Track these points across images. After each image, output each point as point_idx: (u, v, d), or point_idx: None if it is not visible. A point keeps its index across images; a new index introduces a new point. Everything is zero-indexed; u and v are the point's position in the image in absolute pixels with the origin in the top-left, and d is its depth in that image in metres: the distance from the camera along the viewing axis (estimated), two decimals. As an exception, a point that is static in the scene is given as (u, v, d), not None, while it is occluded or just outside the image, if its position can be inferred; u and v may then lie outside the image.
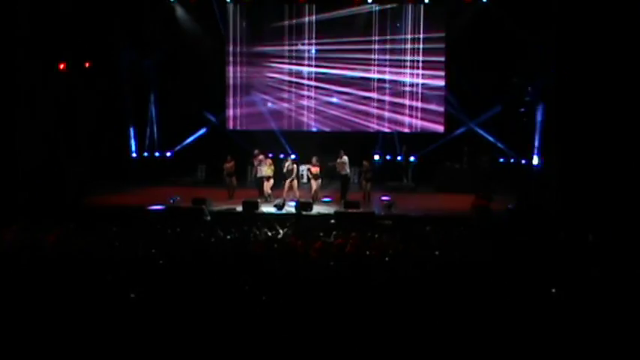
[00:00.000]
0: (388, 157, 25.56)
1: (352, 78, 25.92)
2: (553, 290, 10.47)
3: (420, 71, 25.50)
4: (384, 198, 20.45)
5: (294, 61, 26.25)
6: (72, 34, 21.48)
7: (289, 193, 21.11)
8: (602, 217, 16.51)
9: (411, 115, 25.62)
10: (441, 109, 25.47)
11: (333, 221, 17.87)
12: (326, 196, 21.34)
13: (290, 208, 19.25)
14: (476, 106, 24.44)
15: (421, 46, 25.40)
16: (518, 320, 9.01)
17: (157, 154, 26.79)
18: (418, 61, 25.46)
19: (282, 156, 23.01)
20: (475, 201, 17.77)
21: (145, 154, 26.71)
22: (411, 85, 25.62)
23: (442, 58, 25.32)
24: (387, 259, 12.96)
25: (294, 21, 25.90)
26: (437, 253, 13.37)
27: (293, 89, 26.43)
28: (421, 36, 25.39)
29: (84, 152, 22.71)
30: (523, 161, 23.21)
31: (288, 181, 21.18)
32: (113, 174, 24.02)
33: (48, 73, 21.08)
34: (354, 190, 22.16)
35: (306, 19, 25.82)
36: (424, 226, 16.07)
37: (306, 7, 25.78)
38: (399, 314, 9.34)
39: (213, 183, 23.09)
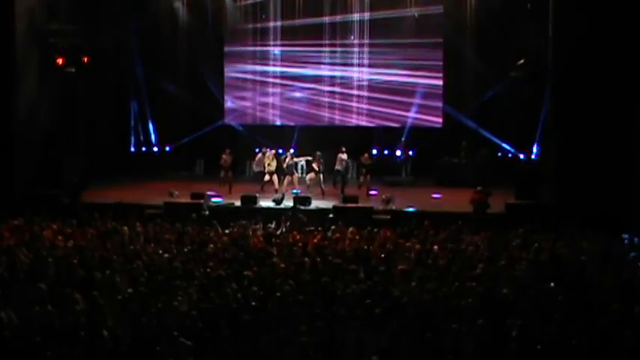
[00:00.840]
0: (386, 152, 25.52)
1: (350, 72, 25.89)
2: (552, 284, 10.52)
3: (419, 62, 25.38)
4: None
5: (292, 62, 26.25)
6: (72, 28, 21.49)
7: (289, 187, 21.08)
8: (600, 211, 16.56)
9: (409, 110, 25.54)
10: (439, 103, 25.39)
11: (331, 216, 17.88)
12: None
13: (289, 203, 19.24)
14: (474, 100, 24.38)
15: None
16: (516, 312, 9.05)
17: (155, 149, 26.75)
18: (417, 54, 25.39)
19: (280, 151, 22.94)
20: (474, 195, 17.76)
21: (143, 148, 26.69)
22: (409, 78, 25.52)
23: (440, 53, 25.27)
24: (382, 255, 13.02)
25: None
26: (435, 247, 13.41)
27: (290, 85, 26.39)
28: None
29: (82, 147, 22.69)
30: (521, 156, 23.18)
31: (287, 176, 21.17)
32: (112, 169, 23.99)
33: (46, 68, 21.07)
34: (352, 184, 22.16)
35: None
36: (422, 220, 16.09)
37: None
38: (400, 307, 9.39)
39: (213, 177, 23.05)
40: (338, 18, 25.59)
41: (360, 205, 18.93)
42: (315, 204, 19.35)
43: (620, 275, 11.23)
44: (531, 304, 9.51)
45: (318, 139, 23.85)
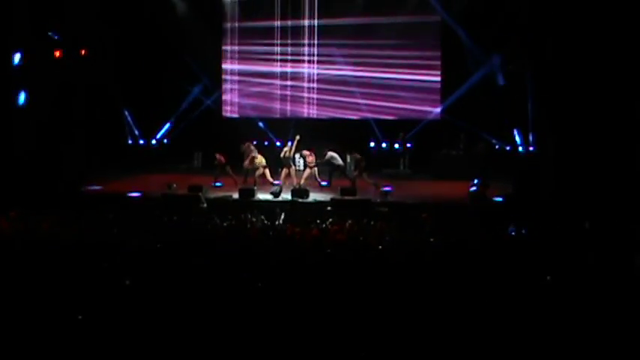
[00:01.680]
0: (384, 145, 25.53)
1: (349, 60, 25.92)
2: (548, 278, 10.50)
3: (417, 53, 25.41)
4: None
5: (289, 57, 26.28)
6: (69, 21, 21.46)
7: (286, 180, 21.11)
8: (598, 204, 16.55)
9: (407, 102, 25.55)
10: (438, 95, 25.42)
11: (329, 208, 17.88)
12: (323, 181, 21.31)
13: (286, 195, 19.25)
14: (472, 92, 24.37)
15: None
16: (512, 308, 9.03)
17: (153, 141, 26.76)
18: (414, 46, 25.42)
19: (278, 144, 22.97)
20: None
21: (141, 141, 26.70)
22: (407, 71, 25.56)
23: (438, 43, 25.30)
24: (380, 246, 13.01)
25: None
26: (432, 239, 13.39)
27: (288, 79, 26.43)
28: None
29: (79, 139, 22.68)
30: (519, 148, 23.20)
31: (285, 168, 21.20)
32: (109, 161, 24.00)
33: (43, 60, 21.04)
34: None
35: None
36: (420, 212, 16.09)
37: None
38: (395, 300, 9.37)
39: (210, 170, 23.05)
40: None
41: (358, 197, 18.93)
42: (313, 197, 19.35)
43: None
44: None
45: (314, 133, 23.83)
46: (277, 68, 26.44)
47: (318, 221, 15.76)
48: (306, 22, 25.89)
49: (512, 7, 22.07)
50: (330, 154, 21.42)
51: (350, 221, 15.27)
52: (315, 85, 26.22)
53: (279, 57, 26.35)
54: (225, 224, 15.36)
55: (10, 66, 20.03)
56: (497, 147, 24.26)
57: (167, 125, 26.79)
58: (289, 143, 22.34)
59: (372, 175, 21.85)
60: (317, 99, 26.22)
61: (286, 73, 26.39)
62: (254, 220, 15.88)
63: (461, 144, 23.90)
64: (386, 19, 25.06)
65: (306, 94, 26.29)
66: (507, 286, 10.11)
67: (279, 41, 26.18)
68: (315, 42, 26.02)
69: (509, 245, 13.11)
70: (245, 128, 25.58)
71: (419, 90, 25.44)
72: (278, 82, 26.49)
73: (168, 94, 25.97)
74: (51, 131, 21.35)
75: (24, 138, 20.45)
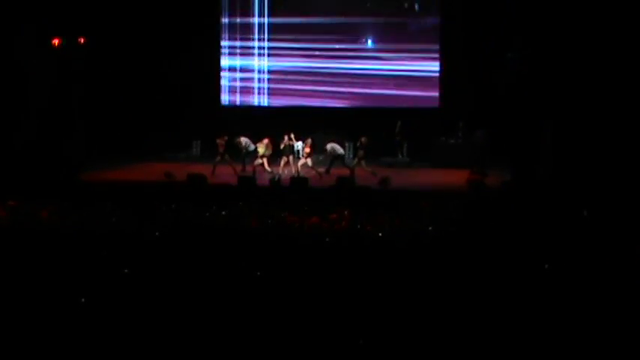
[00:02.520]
0: (383, 133, 25.49)
1: (346, 49, 25.89)
2: (546, 266, 10.52)
3: (416, 47, 25.40)
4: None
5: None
6: (67, 9, 21.41)
7: (285, 168, 21.15)
8: (597, 191, 16.57)
9: (405, 90, 25.53)
10: (436, 83, 25.38)
11: (328, 197, 17.88)
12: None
13: (285, 183, 19.27)
14: (471, 81, 24.34)
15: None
16: (511, 296, 9.06)
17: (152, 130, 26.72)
18: (413, 33, 25.40)
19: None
20: (470, 176, 17.80)
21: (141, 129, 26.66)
22: (406, 59, 25.55)
23: (437, 31, 25.27)
24: (380, 234, 13.03)
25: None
26: (430, 228, 13.42)
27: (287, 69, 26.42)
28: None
29: (79, 128, 22.68)
30: (518, 136, 23.17)
31: (284, 157, 21.24)
32: (108, 150, 23.99)
33: (42, 49, 21.02)
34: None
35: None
36: (419, 201, 16.10)
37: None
38: (395, 287, 9.40)
39: (209, 159, 23.06)
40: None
41: (357, 186, 18.94)
42: (312, 185, 19.36)
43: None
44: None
45: (312, 122, 23.81)
46: (278, 62, 26.43)
47: (317, 210, 15.78)
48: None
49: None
50: (331, 145, 21.44)
51: (349, 210, 15.29)
52: (313, 77, 26.19)
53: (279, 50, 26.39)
54: (223, 213, 15.38)
55: (10, 56, 20.03)
56: (495, 135, 24.22)
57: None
58: (292, 135, 22.33)
59: (371, 163, 21.84)
60: (313, 88, 26.17)
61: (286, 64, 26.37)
62: (253, 208, 15.91)
63: (459, 132, 23.86)
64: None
65: (310, 85, 26.25)
66: (506, 274, 10.15)
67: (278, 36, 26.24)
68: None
69: (508, 233, 13.13)
70: (244, 117, 25.56)
71: (418, 78, 25.42)
72: (276, 72, 26.45)
73: (167, 83, 25.91)
74: (50, 120, 21.34)
75: (23, 127, 20.45)
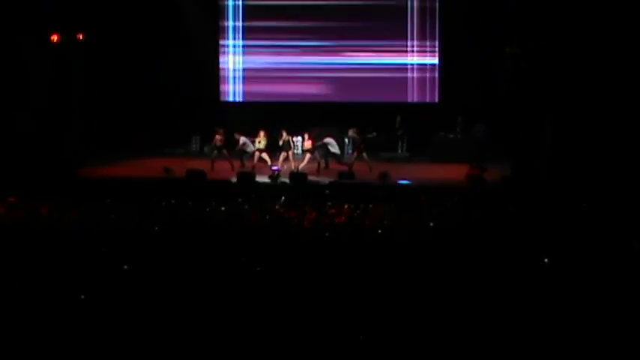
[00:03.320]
0: (382, 128, 25.48)
1: (347, 46, 25.90)
2: (545, 260, 10.52)
3: (416, 40, 25.42)
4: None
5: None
6: (65, 5, 21.38)
7: (284, 164, 21.17)
8: (597, 186, 16.56)
9: (405, 85, 25.55)
10: (436, 79, 25.40)
11: (327, 192, 17.89)
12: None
13: (285, 179, 19.27)
14: (470, 76, 24.33)
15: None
16: (510, 292, 9.06)
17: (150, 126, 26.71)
18: (413, 30, 25.40)
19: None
20: (469, 171, 17.79)
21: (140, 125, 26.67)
22: (406, 54, 25.57)
23: (436, 27, 25.27)
24: (380, 230, 13.03)
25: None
26: (431, 224, 13.41)
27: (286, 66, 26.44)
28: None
29: (77, 124, 22.65)
30: (516, 130, 23.16)
31: (283, 152, 21.25)
32: (107, 146, 23.98)
33: (41, 44, 20.98)
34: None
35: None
36: (418, 195, 16.10)
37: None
38: (394, 283, 9.40)
39: (208, 154, 23.06)
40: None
41: (356, 181, 18.94)
42: (311, 180, 19.36)
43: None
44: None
45: (312, 116, 23.80)
46: (276, 57, 26.43)
47: (317, 205, 15.78)
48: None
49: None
50: (328, 140, 21.44)
51: (348, 205, 15.30)
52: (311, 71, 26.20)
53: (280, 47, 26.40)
54: (223, 208, 15.38)
55: (8, 52, 20.00)
56: (494, 130, 24.23)
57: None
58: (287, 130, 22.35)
59: (370, 158, 21.86)
60: (314, 82, 26.18)
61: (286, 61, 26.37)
62: (252, 203, 15.91)
63: (458, 127, 23.87)
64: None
65: (306, 78, 26.25)
66: (505, 268, 10.15)
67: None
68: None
69: (507, 228, 13.13)
70: (243, 112, 25.56)
71: (418, 73, 25.45)
72: (276, 69, 26.44)
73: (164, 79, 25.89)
74: (49, 116, 21.33)
75: (22, 123, 20.43)
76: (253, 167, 20.95)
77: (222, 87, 26.82)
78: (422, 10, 25.34)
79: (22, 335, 7.62)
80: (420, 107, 25.31)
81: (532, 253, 10.97)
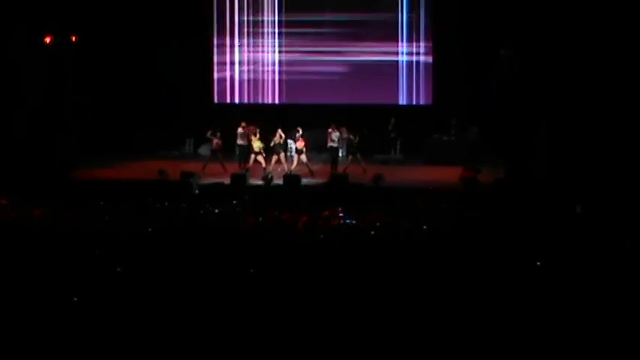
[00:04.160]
0: (376, 130, 25.50)
1: (340, 48, 25.90)
2: (538, 263, 10.53)
3: (410, 42, 25.44)
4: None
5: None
6: (58, 7, 21.35)
7: (277, 166, 21.16)
8: (590, 188, 16.59)
9: (399, 88, 25.57)
10: (430, 81, 25.41)
11: (321, 194, 17.89)
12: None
13: (278, 181, 19.25)
14: (464, 78, 24.36)
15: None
16: (503, 294, 9.07)
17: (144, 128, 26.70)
18: (406, 31, 25.42)
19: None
20: (463, 172, 17.80)
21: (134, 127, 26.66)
22: (399, 56, 25.57)
23: (430, 29, 25.28)
24: (372, 232, 13.03)
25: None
26: (425, 227, 13.42)
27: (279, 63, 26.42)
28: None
29: (72, 127, 22.62)
30: (510, 133, 23.21)
31: (275, 154, 21.24)
32: (101, 148, 23.95)
33: (34, 46, 20.95)
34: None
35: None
36: (413, 198, 16.11)
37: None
38: (388, 285, 9.40)
39: (202, 157, 23.07)
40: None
41: (350, 183, 18.94)
42: (305, 183, 19.36)
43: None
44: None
45: (307, 117, 23.79)
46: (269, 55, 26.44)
47: (310, 207, 15.78)
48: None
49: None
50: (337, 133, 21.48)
51: (341, 207, 15.29)
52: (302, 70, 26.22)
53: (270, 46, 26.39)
54: (217, 210, 15.37)
55: (2, 54, 19.98)
56: (488, 132, 24.28)
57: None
58: (279, 131, 22.35)
59: (364, 160, 21.86)
60: (306, 85, 26.18)
61: (279, 61, 26.37)
62: (246, 205, 15.91)
63: (452, 129, 23.89)
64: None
65: (295, 81, 26.26)
66: (499, 270, 10.16)
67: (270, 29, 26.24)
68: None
69: (501, 230, 13.15)
70: (236, 114, 25.53)
71: (412, 74, 25.48)
72: (268, 69, 26.43)
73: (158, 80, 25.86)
74: (43, 118, 21.29)
75: (16, 126, 20.40)
76: (248, 169, 20.92)
77: (215, 88, 26.78)
78: (416, 12, 25.37)
79: (15, 337, 7.60)
80: (414, 109, 25.32)
81: (526, 255, 10.99)
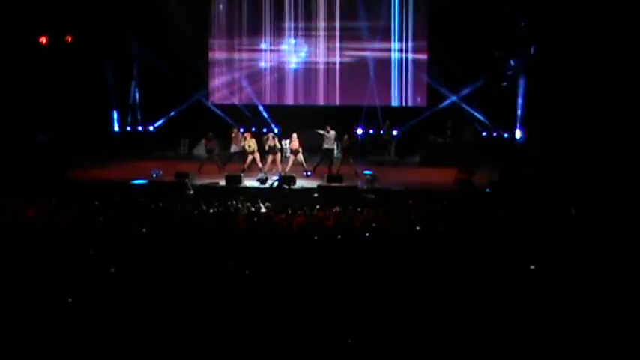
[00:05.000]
0: (371, 132, 25.55)
1: (335, 49, 25.97)
2: (532, 267, 10.54)
3: (404, 44, 25.51)
4: (366, 172, 20.25)
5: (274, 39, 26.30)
6: (54, 7, 21.32)
7: (272, 167, 21.17)
8: (584, 190, 16.60)
9: (393, 89, 25.61)
10: (424, 82, 25.46)
11: (316, 195, 17.90)
12: (306, 171, 21.22)
13: (273, 182, 19.25)
14: (459, 80, 24.41)
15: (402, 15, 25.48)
16: (497, 297, 9.08)
17: (139, 128, 26.68)
18: (401, 33, 25.48)
19: (265, 130, 23.05)
20: (457, 174, 17.80)
21: (128, 128, 26.63)
22: (394, 57, 25.62)
23: (425, 31, 25.34)
24: (367, 234, 13.03)
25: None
26: (418, 228, 13.41)
27: (273, 62, 26.45)
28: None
29: (65, 126, 22.60)
30: (505, 135, 23.26)
31: (270, 155, 21.26)
32: (95, 148, 23.92)
33: (28, 47, 20.92)
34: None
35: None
36: (407, 199, 16.12)
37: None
38: (383, 286, 9.40)
39: (197, 157, 23.06)
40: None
41: (345, 184, 18.94)
42: (300, 184, 19.35)
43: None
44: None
45: (302, 119, 23.79)
46: (263, 55, 26.48)
47: (305, 208, 15.78)
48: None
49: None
50: (332, 133, 21.46)
51: (337, 208, 15.30)
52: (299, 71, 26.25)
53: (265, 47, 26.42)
54: (211, 211, 15.36)
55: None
56: (483, 134, 24.32)
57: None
58: (275, 131, 22.36)
59: (358, 162, 21.87)
60: (302, 86, 26.22)
61: (274, 61, 26.43)
62: (240, 207, 15.90)
63: (447, 131, 23.93)
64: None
65: (290, 82, 26.30)
66: (493, 272, 10.16)
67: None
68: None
69: (495, 231, 13.16)
70: (232, 115, 25.55)
71: (407, 75, 25.53)
72: (263, 70, 26.47)
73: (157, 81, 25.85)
74: (37, 119, 21.27)
75: (10, 126, 20.36)
76: (243, 170, 20.92)
77: (211, 89, 26.81)
78: (412, 14, 25.43)
79: (10, 337, 7.58)
80: (409, 111, 25.36)
81: (520, 257, 10.99)
